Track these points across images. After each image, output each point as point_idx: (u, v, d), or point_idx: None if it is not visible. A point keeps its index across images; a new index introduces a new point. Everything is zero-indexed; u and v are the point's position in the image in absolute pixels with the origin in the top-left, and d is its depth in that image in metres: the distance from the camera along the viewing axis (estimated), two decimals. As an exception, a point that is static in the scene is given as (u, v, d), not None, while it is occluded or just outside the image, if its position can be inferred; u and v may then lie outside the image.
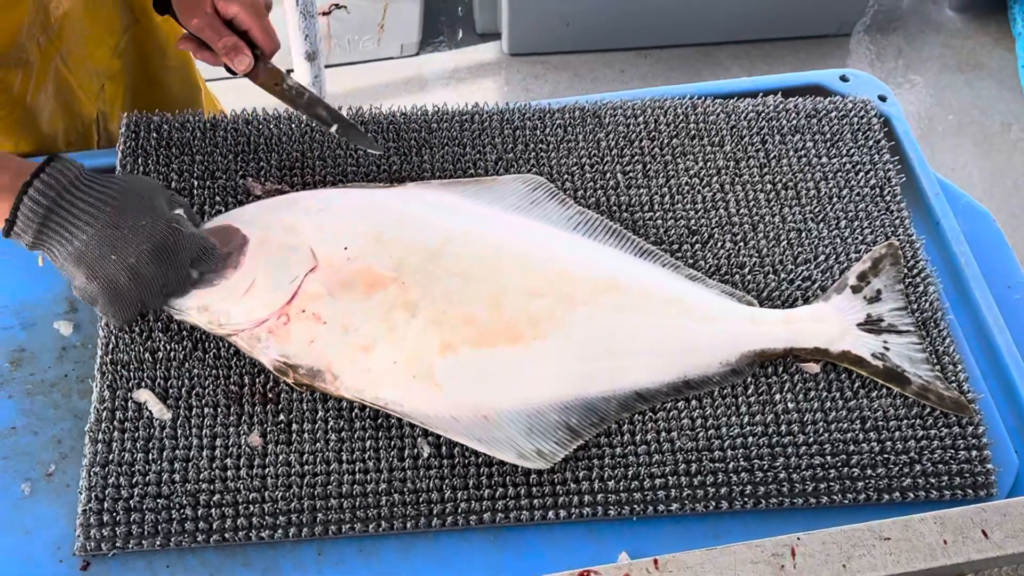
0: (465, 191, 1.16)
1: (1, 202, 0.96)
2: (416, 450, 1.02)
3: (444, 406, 1.02)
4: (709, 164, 1.24)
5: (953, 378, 1.09)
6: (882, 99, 1.33)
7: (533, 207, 1.17)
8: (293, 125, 1.23)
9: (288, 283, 1.05)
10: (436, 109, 1.27)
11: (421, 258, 1.08)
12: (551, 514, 1.00)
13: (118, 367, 1.05)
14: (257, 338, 1.04)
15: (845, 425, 1.05)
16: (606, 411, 1.05)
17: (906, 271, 1.16)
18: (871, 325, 1.11)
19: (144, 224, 0.97)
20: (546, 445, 1.02)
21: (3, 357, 1.07)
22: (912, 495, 1.02)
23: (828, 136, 1.27)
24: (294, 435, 1.02)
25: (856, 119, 1.29)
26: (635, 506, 1.00)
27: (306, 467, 1.01)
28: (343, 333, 1.04)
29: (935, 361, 1.10)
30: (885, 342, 1.10)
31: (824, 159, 1.25)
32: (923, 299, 1.14)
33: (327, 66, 2.60)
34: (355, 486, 1.00)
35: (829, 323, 1.10)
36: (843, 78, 1.36)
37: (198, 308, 1.04)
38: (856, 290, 1.13)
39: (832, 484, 1.02)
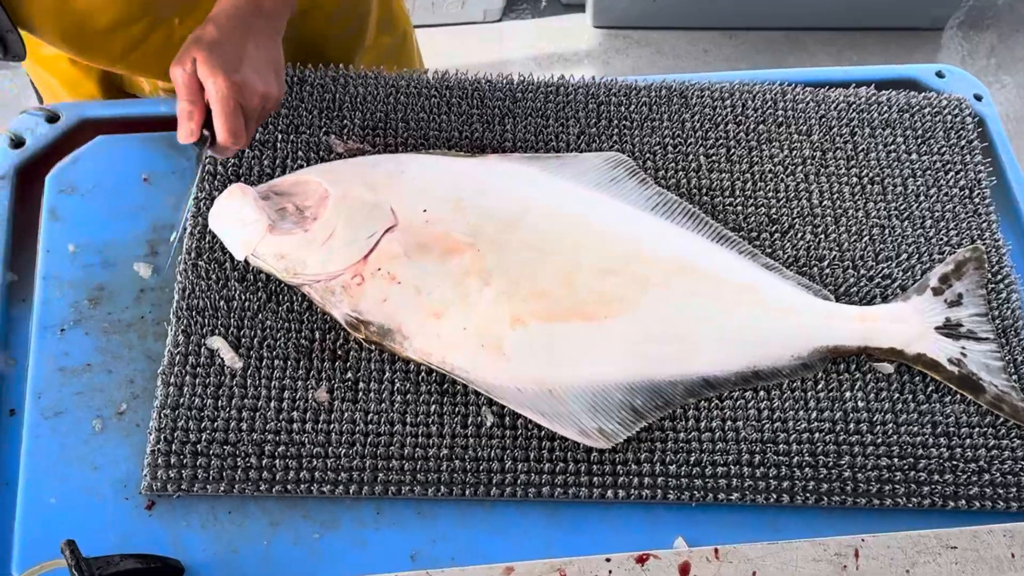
0: (546, 165, 1.16)
1: None
2: (480, 418, 1.02)
3: (510, 377, 1.02)
4: (795, 153, 1.22)
5: (1031, 389, 1.07)
6: (977, 98, 1.30)
7: (613, 184, 1.16)
8: (379, 86, 1.23)
9: (366, 238, 1.06)
10: (521, 79, 1.26)
11: (498, 228, 1.08)
12: (610, 493, 0.99)
13: (193, 313, 1.06)
14: (331, 291, 1.05)
15: (915, 428, 1.03)
16: (672, 395, 1.04)
17: (990, 276, 1.13)
18: (949, 329, 1.08)
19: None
20: (609, 424, 1.01)
21: (83, 295, 1.09)
22: (979, 504, 1.00)
23: (919, 132, 1.24)
24: (360, 394, 1.03)
25: (950, 117, 1.26)
26: (695, 492, 1.00)
27: (370, 426, 1.02)
28: (415, 294, 1.04)
29: (1012, 371, 1.08)
30: (963, 348, 1.07)
31: (914, 155, 1.22)
32: (1005, 306, 1.12)
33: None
34: (417, 449, 1.01)
35: (907, 324, 1.08)
36: (939, 74, 1.33)
37: (275, 255, 1.05)
38: (937, 292, 1.10)
39: (897, 487, 1.00)
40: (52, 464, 1.00)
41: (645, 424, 1.02)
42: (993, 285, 1.13)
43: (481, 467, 1.00)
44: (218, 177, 1.14)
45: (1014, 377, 1.07)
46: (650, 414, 1.03)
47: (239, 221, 1.06)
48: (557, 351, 1.04)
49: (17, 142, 1.20)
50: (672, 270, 1.09)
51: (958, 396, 1.06)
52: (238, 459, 0.99)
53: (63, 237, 1.13)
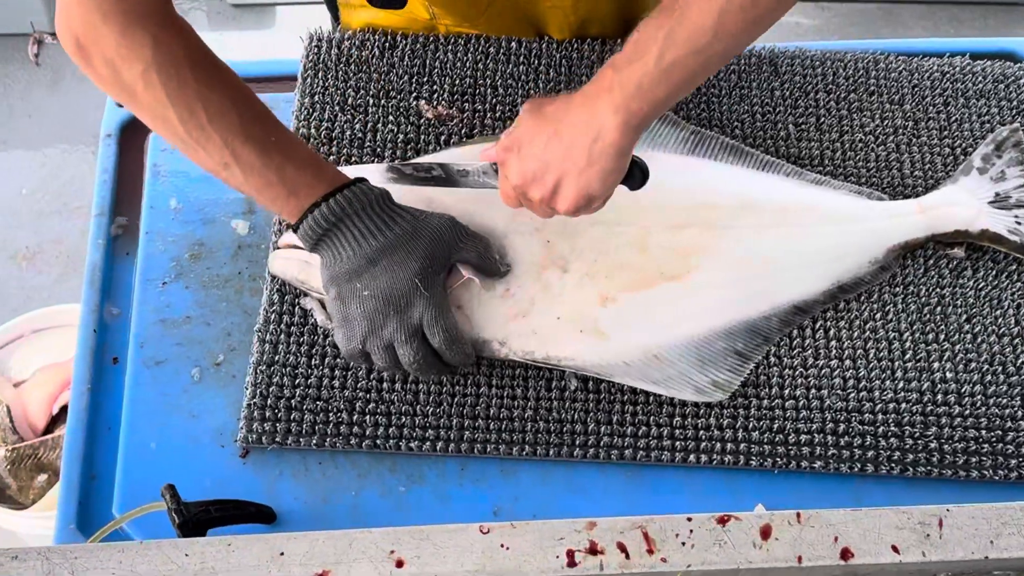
0: None
1: (303, 199, 0.96)
2: (564, 382, 1.04)
3: (614, 354, 1.03)
4: (886, 122, 1.21)
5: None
6: (1078, 71, 1.27)
7: (647, 136, 1.15)
8: (468, 52, 1.25)
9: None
10: (608, 47, 1.26)
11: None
12: (691, 458, 1.00)
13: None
14: None
15: (1004, 400, 1.03)
16: (768, 330, 1.06)
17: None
18: (1001, 203, 1.11)
19: (392, 271, 0.97)
20: (720, 375, 1.03)
21: (184, 250, 1.13)
22: (1068, 479, 0.99)
23: (1015, 104, 1.22)
24: (447, 354, 1.05)
25: (1048, 89, 1.23)
26: (777, 459, 1.00)
27: (457, 387, 1.04)
28: (500, 301, 1.05)
29: None
30: (1016, 217, 1.10)
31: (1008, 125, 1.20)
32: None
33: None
34: (502, 410, 1.02)
35: (964, 205, 1.11)
36: (1037, 45, 1.31)
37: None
38: (982, 172, 1.14)
39: (984, 459, 1.00)
40: (152, 411, 1.04)
41: (752, 365, 1.04)
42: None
43: (564, 428, 1.02)
44: (311, 140, 1.17)
45: None
46: (754, 353, 1.04)
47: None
48: (652, 316, 1.05)
49: (122, 102, 1.24)
50: (736, 209, 1.10)
51: (1049, 371, 1.04)
52: (330, 415, 1.02)
53: (165, 194, 1.17)
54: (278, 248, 1.09)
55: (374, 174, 1.05)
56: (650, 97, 0.88)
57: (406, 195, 1.04)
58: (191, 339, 1.08)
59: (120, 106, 1.23)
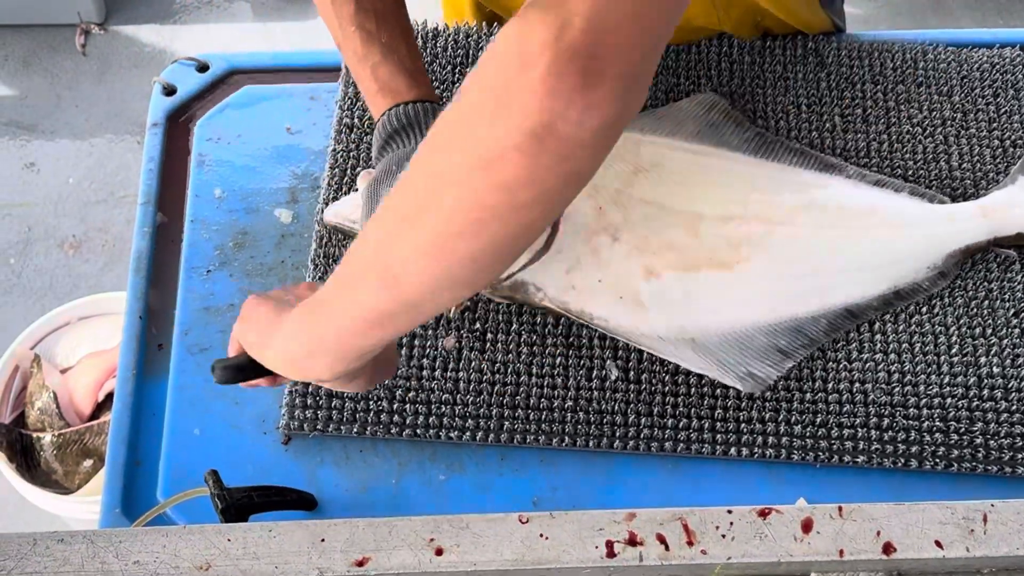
0: (643, 125, 1.15)
1: (388, 99, 1.03)
2: (604, 372, 1.04)
3: (649, 326, 1.03)
4: (934, 114, 1.19)
5: None
6: None
7: (712, 130, 1.15)
8: (512, 41, 1.24)
9: None
10: (654, 36, 1.25)
11: (615, 187, 1.09)
12: (732, 451, 1.00)
13: (329, 261, 1.10)
14: None
15: (1053, 398, 1.01)
16: (815, 331, 1.04)
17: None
18: None
19: None
20: (756, 368, 1.02)
21: (229, 238, 1.14)
22: (1117, 478, 0.98)
23: (1068, 95, 1.20)
24: (488, 344, 1.05)
25: (1101, 79, 1.21)
26: (820, 453, 0.99)
27: (497, 376, 1.04)
28: (548, 251, 1.05)
29: None
30: None
31: (1061, 119, 1.18)
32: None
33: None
34: (542, 400, 1.02)
35: None
36: (1091, 35, 1.28)
37: None
38: None
39: (1031, 456, 0.98)
40: (197, 398, 1.06)
41: (792, 364, 1.03)
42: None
43: (604, 420, 1.02)
44: (355, 130, 1.18)
45: None
46: (797, 353, 1.03)
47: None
48: (694, 299, 1.04)
49: (169, 90, 1.26)
50: (793, 207, 1.09)
51: (1099, 367, 1.03)
52: (371, 403, 1.02)
53: (210, 183, 1.18)
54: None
55: None
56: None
57: None
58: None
59: (167, 95, 1.24)
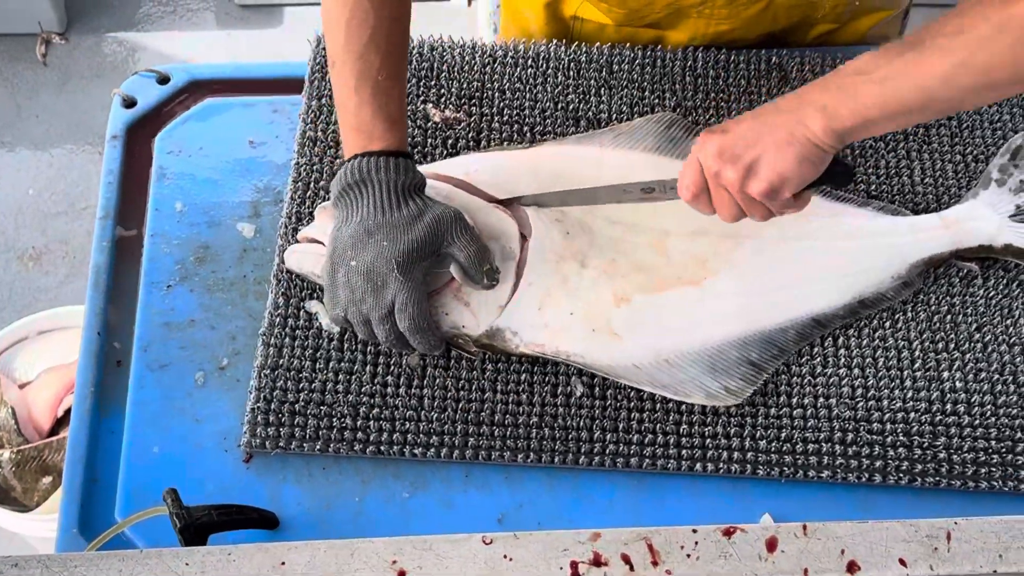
0: (603, 141, 1.15)
1: (358, 143, 1.02)
2: (570, 388, 1.03)
3: (625, 355, 1.03)
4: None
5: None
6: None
7: (672, 146, 1.16)
8: (476, 55, 1.24)
9: None
10: (617, 50, 1.25)
11: (580, 210, 1.09)
12: (698, 466, 1.00)
13: (292, 276, 1.09)
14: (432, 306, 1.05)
15: (1015, 411, 1.02)
16: (784, 342, 1.05)
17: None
18: (1022, 216, 1.10)
19: (379, 249, 0.98)
20: (732, 383, 1.02)
21: (189, 253, 1.13)
22: (1078, 492, 0.98)
23: (1026, 109, 1.21)
24: (452, 360, 1.05)
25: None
26: (784, 468, 0.99)
27: (461, 392, 1.03)
28: (519, 289, 1.05)
29: None
30: None
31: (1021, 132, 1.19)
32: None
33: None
34: (507, 416, 1.02)
35: (986, 219, 1.10)
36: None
37: None
38: (1000, 183, 1.12)
39: (993, 470, 0.99)
40: (156, 415, 1.04)
41: (766, 376, 1.03)
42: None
43: (570, 436, 1.01)
44: (318, 143, 1.17)
45: None
46: (768, 364, 1.04)
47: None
48: (666, 320, 1.05)
49: (129, 102, 1.24)
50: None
51: (1060, 381, 1.03)
52: (334, 420, 1.01)
53: (171, 196, 1.16)
54: (296, 242, 1.09)
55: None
56: (860, 112, 0.88)
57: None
58: (195, 343, 1.08)
59: (127, 107, 1.22)
